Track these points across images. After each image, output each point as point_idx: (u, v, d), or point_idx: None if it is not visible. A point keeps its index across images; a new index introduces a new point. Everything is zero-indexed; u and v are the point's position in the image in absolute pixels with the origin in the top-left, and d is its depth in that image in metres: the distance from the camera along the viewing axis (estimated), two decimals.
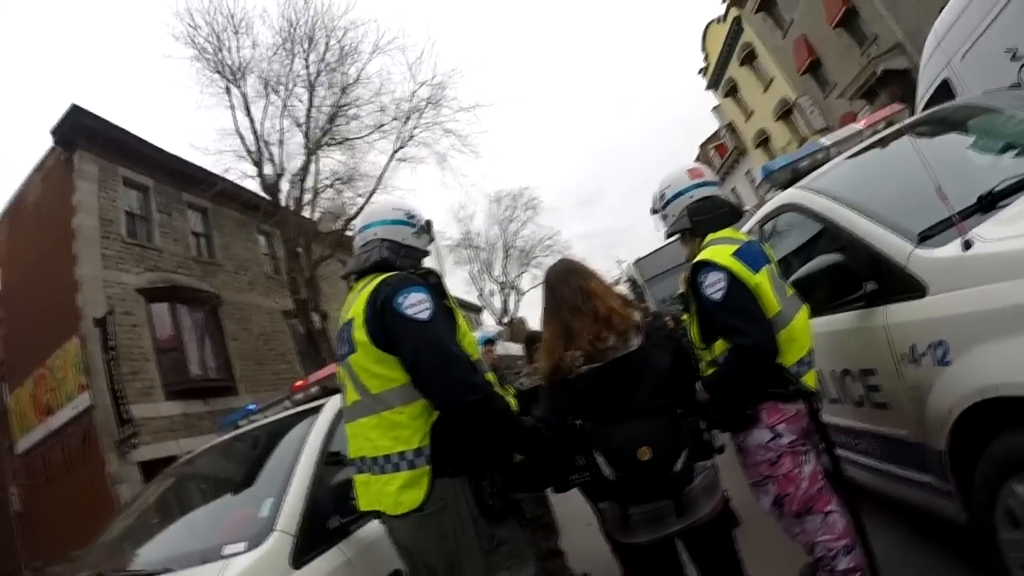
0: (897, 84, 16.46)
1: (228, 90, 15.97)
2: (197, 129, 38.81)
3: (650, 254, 11.55)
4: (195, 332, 14.74)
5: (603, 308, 2.21)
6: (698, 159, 39.10)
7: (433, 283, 2.11)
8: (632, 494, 2.06)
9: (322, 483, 2.57)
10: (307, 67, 16.54)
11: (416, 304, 1.96)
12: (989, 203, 2.08)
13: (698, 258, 2.37)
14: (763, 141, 29.57)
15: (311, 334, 15.99)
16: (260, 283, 17.86)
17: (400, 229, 2.30)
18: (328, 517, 2.45)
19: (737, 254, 2.31)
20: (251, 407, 4.20)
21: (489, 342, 5.07)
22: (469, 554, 1.95)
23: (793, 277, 2.54)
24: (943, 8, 5.00)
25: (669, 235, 2.77)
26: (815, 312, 2.60)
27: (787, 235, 3.40)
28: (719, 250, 2.33)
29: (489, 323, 34.71)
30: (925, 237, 2.13)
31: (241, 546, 2.24)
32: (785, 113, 26.35)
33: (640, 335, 2.21)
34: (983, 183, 2.16)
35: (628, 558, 2.29)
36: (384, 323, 1.97)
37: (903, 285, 2.15)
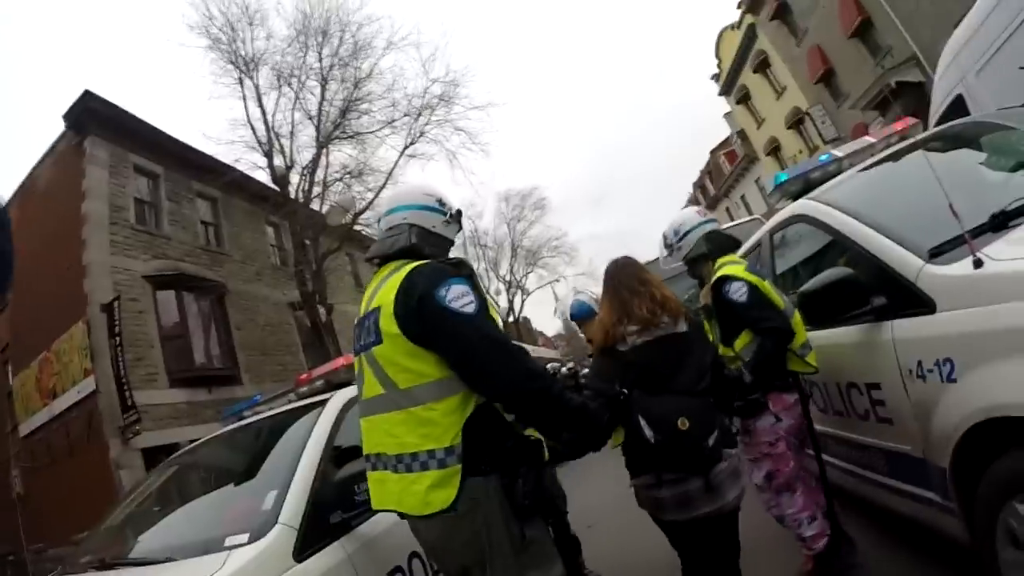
0: (910, 96, 16.42)
1: (241, 81, 16.11)
2: (209, 118, 38.77)
3: (653, 261, 11.51)
4: (201, 321, 14.82)
5: (658, 293, 2.51)
6: (708, 165, 39.15)
7: (467, 274, 2.01)
8: (668, 461, 2.22)
9: (325, 477, 2.58)
10: (320, 60, 16.69)
11: (460, 297, 1.85)
12: (1001, 222, 2.07)
13: (720, 274, 2.95)
14: (774, 149, 29.52)
15: (316, 327, 16.05)
16: (267, 274, 17.93)
17: (431, 216, 2.18)
18: (331, 511, 2.46)
19: (748, 269, 2.96)
20: (256, 398, 4.21)
21: None
22: (501, 553, 1.85)
23: (803, 288, 2.53)
24: (959, 22, 5.00)
25: (689, 260, 3.29)
26: (823, 325, 2.71)
27: (797, 246, 3.42)
28: (735, 267, 2.95)
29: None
30: (936, 254, 2.13)
31: (243, 537, 2.24)
32: (797, 122, 26.31)
33: (688, 324, 2.53)
34: (995, 201, 2.15)
35: (665, 530, 2.51)
36: (423, 317, 1.84)
37: (912, 301, 2.15)
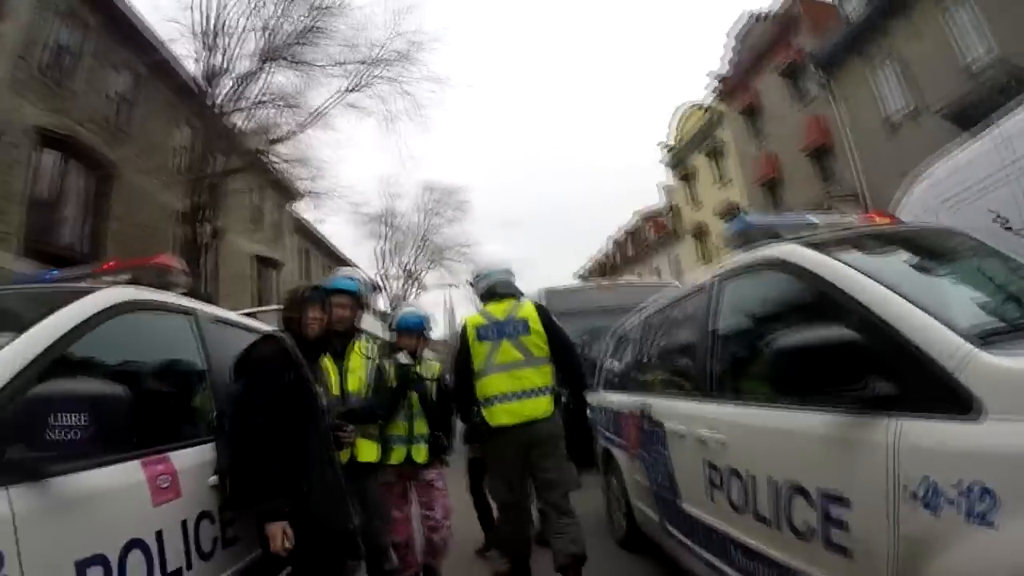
0: None
1: None
2: None
3: (564, 288, 11.02)
4: (77, 197, 12.97)
5: None
6: (633, 226, 39.75)
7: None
8: None
9: (23, 390, 1.65)
10: None
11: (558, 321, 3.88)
12: None
13: None
14: (700, 233, 30.05)
15: (195, 242, 14.46)
16: (165, 174, 15.92)
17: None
18: (11, 442, 1.56)
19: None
20: (51, 273, 3.36)
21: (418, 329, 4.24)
22: (564, 438, 3.67)
23: (779, 344, 1.87)
24: (904, 174, 5.11)
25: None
26: (779, 398, 2.09)
27: (755, 300, 2.79)
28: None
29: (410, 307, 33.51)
30: (988, 340, 1.52)
31: None
32: (730, 215, 26.79)
33: None
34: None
35: None
36: (551, 326, 3.73)
37: (940, 397, 1.51)
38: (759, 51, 23.08)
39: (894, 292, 1.80)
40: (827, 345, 1.73)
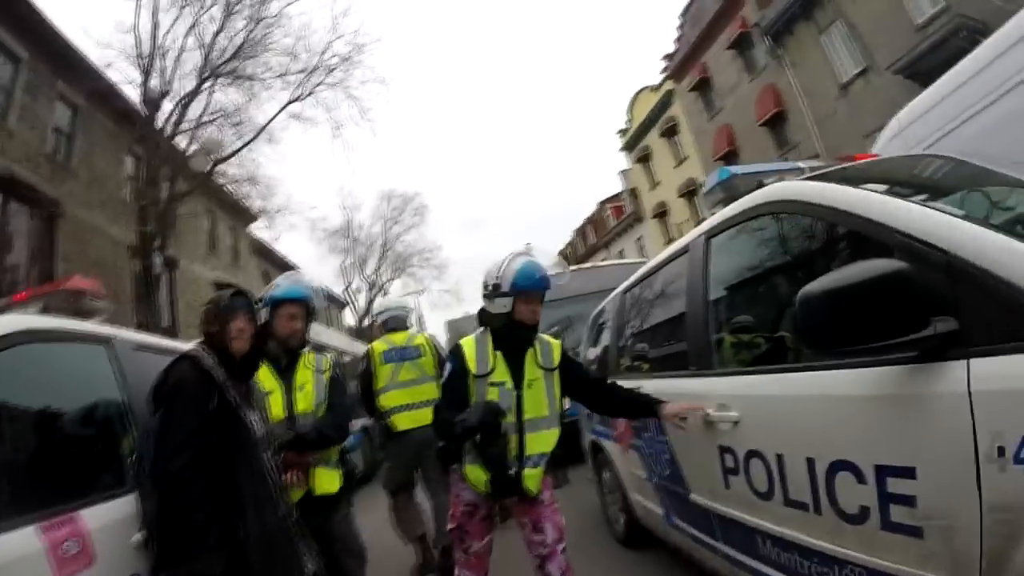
0: None
1: None
2: (97, 17, 33.91)
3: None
4: (22, 239, 12.26)
5: None
6: (594, 215, 39.67)
7: None
8: None
9: None
10: None
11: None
12: None
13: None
14: (662, 213, 30.01)
15: (148, 274, 13.82)
16: (113, 207, 15.23)
17: None
18: None
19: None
20: None
21: None
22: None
23: (809, 289, 1.48)
24: (867, 135, 4.67)
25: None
26: (799, 357, 1.79)
27: (754, 250, 2.48)
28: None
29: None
30: None
31: None
32: (690, 192, 26.75)
33: None
34: None
35: None
36: (436, 350, 4.69)
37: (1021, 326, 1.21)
38: (705, 26, 23.06)
39: (940, 212, 1.50)
40: (870, 282, 1.38)
